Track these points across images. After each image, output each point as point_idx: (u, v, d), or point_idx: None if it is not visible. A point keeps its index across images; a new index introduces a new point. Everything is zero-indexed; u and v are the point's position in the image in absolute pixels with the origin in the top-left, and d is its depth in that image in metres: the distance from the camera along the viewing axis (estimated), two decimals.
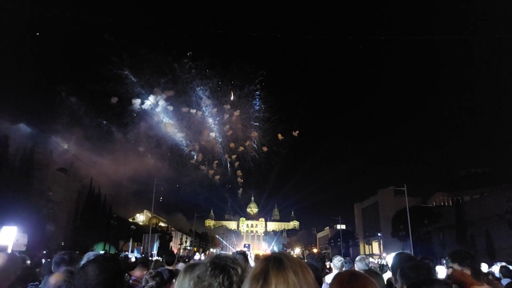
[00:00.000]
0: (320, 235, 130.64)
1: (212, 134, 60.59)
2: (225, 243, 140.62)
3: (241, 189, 68.84)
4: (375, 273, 7.19)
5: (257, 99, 60.53)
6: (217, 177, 61.45)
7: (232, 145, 60.62)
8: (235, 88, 59.48)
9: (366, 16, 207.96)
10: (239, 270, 1.77)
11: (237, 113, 58.67)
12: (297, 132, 59.16)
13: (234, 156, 61.62)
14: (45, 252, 25.32)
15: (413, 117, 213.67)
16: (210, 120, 60.28)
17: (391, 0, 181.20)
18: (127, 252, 43.15)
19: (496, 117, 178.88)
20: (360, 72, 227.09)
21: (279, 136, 58.62)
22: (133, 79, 56.62)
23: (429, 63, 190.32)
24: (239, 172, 63.60)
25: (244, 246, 79.45)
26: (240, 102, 60.02)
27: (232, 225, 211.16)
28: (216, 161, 61.67)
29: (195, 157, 60.86)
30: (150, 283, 4.42)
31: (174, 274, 5.36)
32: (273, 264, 1.47)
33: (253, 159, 62.65)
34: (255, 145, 60.62)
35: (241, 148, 60.71)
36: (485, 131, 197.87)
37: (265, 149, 60.28)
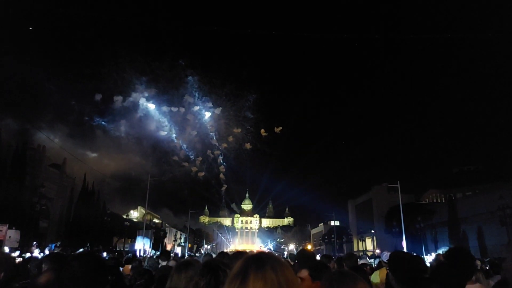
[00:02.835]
0: (314, 231, 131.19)
1: (194, 132, 60.64)
2: (219, 240, 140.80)
3: (225, 186, 68.74)
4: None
5: (241, 96, 60.54)
6: (201, 173, 61.34)
7: (214, 141, 60.77)
8: (217, 86, 59.43)
9: (359, 13, 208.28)
10: (228, 272, 1.79)
11: (218, 111, 58.80)
12: (280, 128, 58.98)
13: (216, 152, 61.67)
14: (38, 248, 25.18)
15: (406, 114, 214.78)
16: (193, 118, 60.31)
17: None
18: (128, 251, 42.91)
19: (489, 115, 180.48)
20: (353, 69, 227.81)
21: (262, 131, 58.50)
22: (115, 76, 56.47)
23: (421, 60, 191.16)
24: (222, 168, 63.53)
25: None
26: (222, 99, 60.06)
27: (226, 221, 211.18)
28: (200, 158, 61.58)
29: (179, 154, 60.86)
30: (138, 282, 4.42)
31: None
32: (252, 262, 1.51)
33: (237, 155, 62.76)
34: (238, 143, 60.71)
35: (225, 145, 60.73)
36: (478, 129, 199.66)
37: (248, 146, 60.22)
